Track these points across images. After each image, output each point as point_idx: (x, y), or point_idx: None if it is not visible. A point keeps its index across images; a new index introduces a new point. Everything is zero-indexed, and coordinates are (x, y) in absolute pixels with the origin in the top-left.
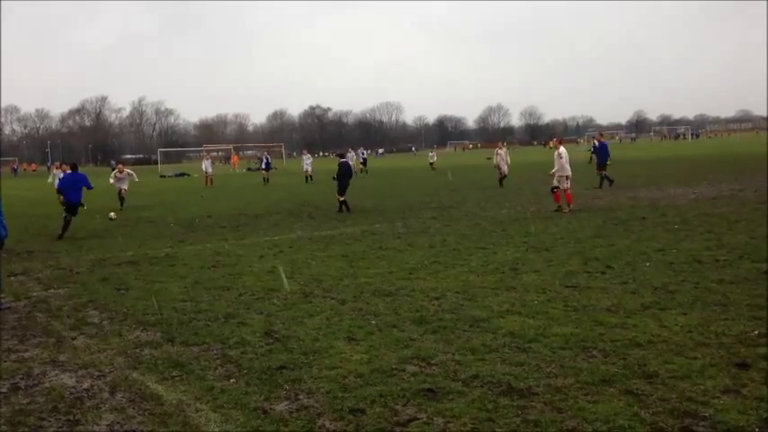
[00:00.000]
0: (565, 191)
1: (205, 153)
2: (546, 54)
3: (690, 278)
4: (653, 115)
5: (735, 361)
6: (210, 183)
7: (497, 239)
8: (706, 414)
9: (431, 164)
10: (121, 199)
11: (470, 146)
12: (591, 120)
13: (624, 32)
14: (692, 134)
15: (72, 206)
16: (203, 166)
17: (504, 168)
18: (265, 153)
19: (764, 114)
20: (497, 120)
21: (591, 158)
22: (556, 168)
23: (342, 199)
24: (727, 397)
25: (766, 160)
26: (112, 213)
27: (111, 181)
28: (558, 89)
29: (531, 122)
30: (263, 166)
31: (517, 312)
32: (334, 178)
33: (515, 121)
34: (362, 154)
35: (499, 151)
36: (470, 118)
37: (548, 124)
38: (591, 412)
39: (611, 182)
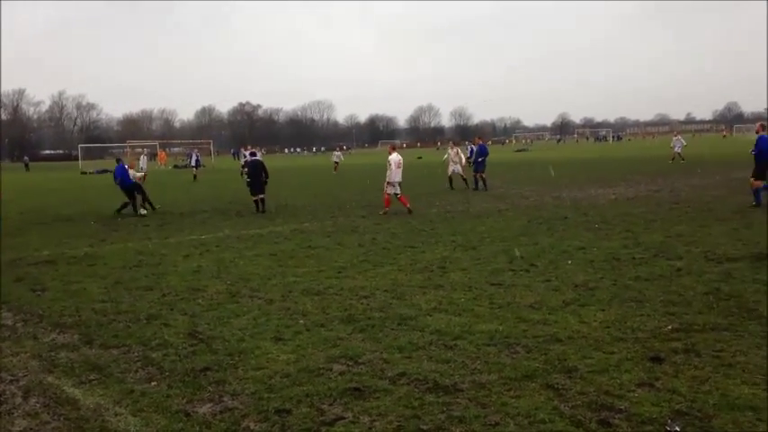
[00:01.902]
0: (391, 194)
1: (141, 149)
2: (476, 56)
3: (608, 275)
4: (576, 118)
5: (649, 355)
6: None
7: (426, 238)
8: (622, 407)
9: (336, 163)
10: None
11: (403, 145)
12: (518, 121)
13: (551, 37)
14: (613, 136)
15: None
16: (141, 163)
17: (458, 168)
18: (195, 150)
19: (681, 118)
20: (428, 120)
21: (470, 162)
22: (389, 174)
23: (255, 198)
24: (642, 390)
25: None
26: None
27: None
28: (487, 91)
29: (461, 123)
30: (193, 164)
31: (444, 310)
32: (241, 174)
33: (445, 121)
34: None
35: (450, 151)
36: (402, 118)
37: (477, 125)
38: (513, 407)
39: (477, 187)
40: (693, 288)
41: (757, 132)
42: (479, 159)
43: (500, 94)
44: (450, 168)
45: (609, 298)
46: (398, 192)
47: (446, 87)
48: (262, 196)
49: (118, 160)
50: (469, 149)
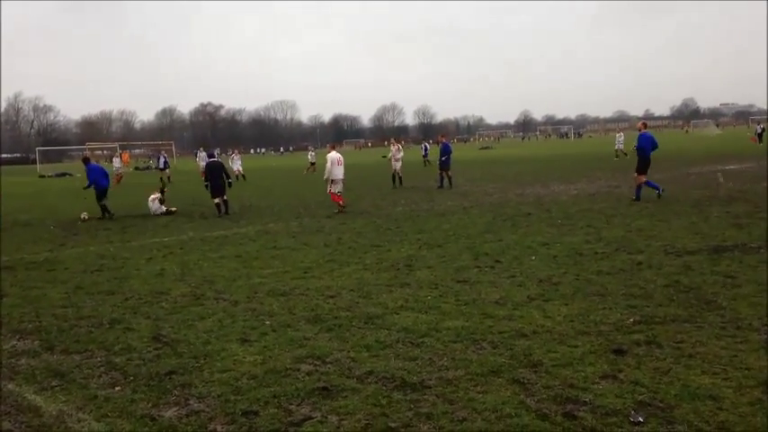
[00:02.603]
0: (338, 193)
1: (117, 151)
2: (441, 56)
3: (571, 270)
4: (538, 115)
5: (612, 347)
6: (117, 180)
7: (392, 237)
8: (586, 399)
9: (312, 164)
10: None
11: (369, 144)
12: (481, 119)
13: (512, 35)
14: (575, 133)
15: None
16: (114, 165)
17: (397, 166)
18: (162, 152)
19: (639, 114)
20: (392, 118)
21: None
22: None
23: (217, 201)
24: (606, 382)
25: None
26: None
27: None
28: (451, 90)
29: (425, 121)
30: (161, 166)
31: (411, 308)
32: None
33: (409, 119)
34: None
35: (392, 148)
36: (365, 117)
37: (440, 123)
38: (480, 402)
39: (443, 185)
40: (654, 281)
41: (639, 130)
42: (443, 158)
43: (462, 92)
44: (393, 166)
45: (572, 292)
46: (341, 190)
47: (409, 87)
48: (224, 198)
49: (87, 160)
50: (423, 148)
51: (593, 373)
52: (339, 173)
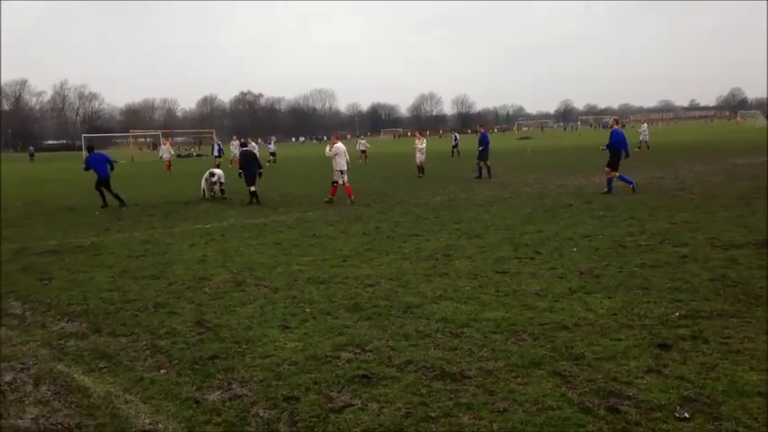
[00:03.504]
0: (343, 184)
1: (164, 139)
2: (479, 44)
3: (614, 263)
4: (579, 104)
5: (657, 342)
6: (168, 168)
7: (430, 226)
8: (630, 393)
9: (362, 151)
10: None
11: (409, 133)
12: (521, 108)
13: (554, 24)
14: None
15: None
16: (160, 152)
17: (422, 158)
18: (217, 140)
19: (685, 104)
20: (430, 108)
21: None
22: (335, 164)
23: (252, 189)
24: (650, 377)
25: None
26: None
27: None
28: (489, 78)
29: (463, 111)
30: (216, 153)
31: (450, 298)
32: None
33: (447, 109)
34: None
35: (416, 140)
36: (403, 106)
37: (479, 113)
38: (521, 394)
39: (481, 175)
40: (700, 275)
41: (611, 126)
42: (481, 147)
43: (501, 82)
44: (418, 157)
45: (615, 285)
46: (346, 180)
47: (448, 75)
48: (253, 188)
49: (90, 149)
50: (453, 137)
51: (637, 368)
52: (344, 163)
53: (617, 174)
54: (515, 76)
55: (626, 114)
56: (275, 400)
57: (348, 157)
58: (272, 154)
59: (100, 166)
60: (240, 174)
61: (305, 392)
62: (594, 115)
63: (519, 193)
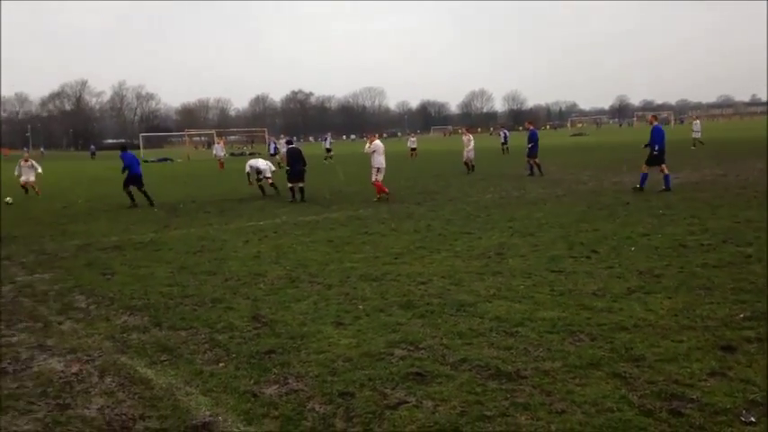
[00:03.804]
0: (377, 180)
1: (217, 138)
2: (531, 40)
3: (675, 262)
4: (635, 100)
5: (720, 344)
6: (221, 166)
7: (482, 224)
8: (693, 396)
9: (412, 149)
10: (25, 189)
11: (459, 131)
12: (574, 105)
13: (608, 18)
14: (677, 119)
15: None
16: (214, 151)
17: (470, 154)
18: (273, 139)
19: (746, 99)
20: (480, 105)
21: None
22: (373, 161)
23: (291, 186)
24: (714, 379)
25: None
26: (9, 198)
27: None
28: (541, 74)
29: (515, 107)
30: (272, 152)
31: (503, 297)
32: (281, 165)
33: (498, 106)
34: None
35: (463, 137)
36: (453, 103)
37: (531, 109)
38: (580, 395)
39: (533, 173)
40: (765, 275)
41: (650, 123)
42: (530, 145)
43: (554, 77)
44: (466, 154)
45: (676, 285)
46: (380, 178)
47: (499, 72)
48: (301, 185)
49: (124, 148)
50: (502, 135)
51: (701, 370)
52: (383, 161)
53: (645, 169)
54: (569, 72)
55: (683, 110)
56: (331, 396)
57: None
58: (328, 150)
59: (135, 166)
60: (287, 171)
61: (360, 388)
62: (651, 111)
63: (573, 191)
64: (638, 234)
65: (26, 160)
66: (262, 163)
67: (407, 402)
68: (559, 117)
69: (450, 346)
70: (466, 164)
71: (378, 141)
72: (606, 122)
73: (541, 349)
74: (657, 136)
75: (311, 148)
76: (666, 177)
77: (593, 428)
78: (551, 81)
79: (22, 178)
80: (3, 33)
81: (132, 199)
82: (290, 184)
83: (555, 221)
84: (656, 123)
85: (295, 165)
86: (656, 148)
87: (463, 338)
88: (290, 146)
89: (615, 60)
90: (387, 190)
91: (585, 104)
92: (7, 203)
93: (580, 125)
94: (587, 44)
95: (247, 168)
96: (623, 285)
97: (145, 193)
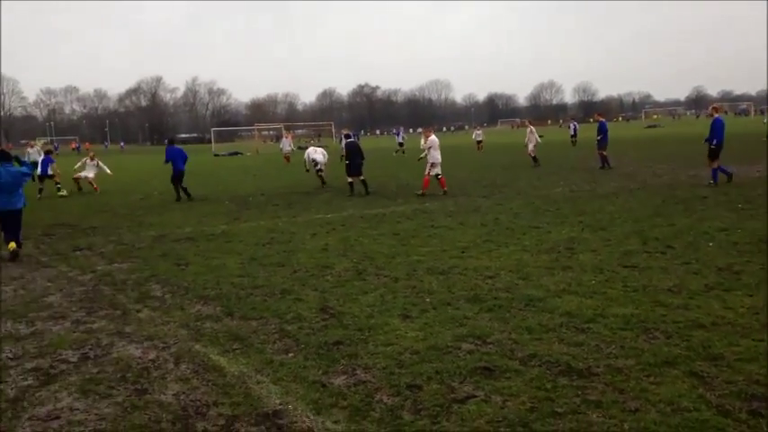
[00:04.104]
0: (428, 175)
1: (285, 132)
2: (602, 28)
3: (755, 259)
4: (713, 91)
5: None
6: (287, 160)
7: (551, 218)
8: None
9: (478, 142)
10: (78, 185)
11: (527, 123)
12: (648, 96)
13: (685, 6)
14: (757, 110)
15: None
16: (281, 145)
17: (530, 147)
18: (400, 127)
19: None
20: (549, 97)
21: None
22: (429, 156)
23: (350, 180)
24: None
25: None
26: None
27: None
28: (613, 65)
29: (585, 99)
30: (400, 140)
31: (574, 292)
32: (342, 159)
33: (568, 97)
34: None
35: (527, 130)
36: (521, 95)
37: (602, 100)
38: (654, 393)
39: (604, 165)
40: None
41: (711, 115)
42: (599, 137)
43: (627, 67)
44: (529, 147)
45: (757, 282)
46: (439, 172)
47: (568, 62)
48: (362, 178)
49: (171, 141)
50: (571, 127)
51: None
52: (438, 156)
53: (716, 165)
54: (642, 62)
55: (764, 101)
56: (398, 388)
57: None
58: (401, 144)
59: (178, 161)
60: (346, 165)
61: (427, 381)
62: (729, 102)
63: (647, 184)
64: (716, 229)
65: (92, 158)
66: (319, 155)
67: (475, 396)
68: (633, 108)
69: (518, 341)
70: (535, 158)
71: (433, 137)
72: (682, 114)
73: (614, 346)
74: (718, 129)
75: (379, 141)
76: (714, 171)
77: (669, 428)
78: (624, 72)
79: (83, 173)
80: (84, 33)
81: (178, 193)
82: (349, 179)
83: (628, 216)
84: (716, 115)
85: (354, 159)
86: (714, 142)
87: (532, 334)
88: (349, 140)
89: (693, 51)
90: (444, 188)
91: (660, 95)
92: (62, 196)
93: (656, 117)
94: (663, 34)
95: (306, 156)
96: (701, 282)
97: (184, 189)
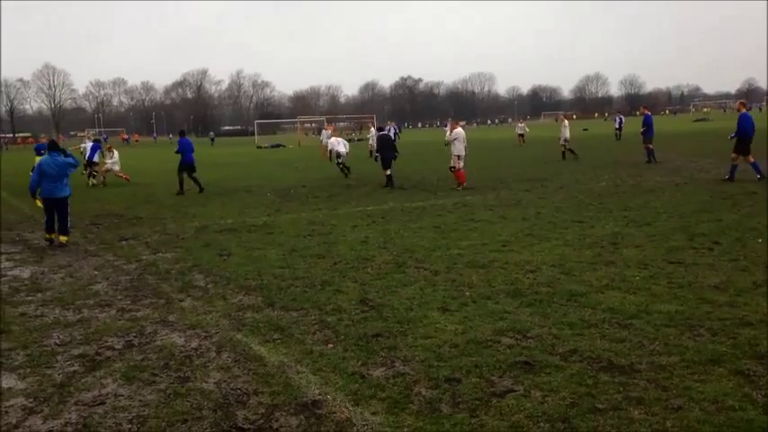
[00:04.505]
0: (458, 170)
1: (326, 125)
2: (648, 19)
3: None
4: (765, 83)
5: None
6: (324, 152)
7: (594, 213)
8: None
9: (520, 135)
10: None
11: (574, 116)
12: (697, 88)
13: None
14: None
15: None
16: (322, 137)
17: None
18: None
19: None
20: (595, 89)
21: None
22: (453, 149)
23: (388, 173)
24: None
25: None
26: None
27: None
28: (662, 57)
29: (632, 92)
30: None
31: (617, 288)
32: (371, 154)
33: (614, 90)
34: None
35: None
36: (566, 88)
37: (649, 93)
38: (698, 391)
39: (650, 160)
40: None
41: (738, 111)
42: (643, 129)
43: (675, 59)
44: (562, 142)
45: None
46: (461, 166)
47: (614, 55)
48: (388, 172)
49: (182, 133)
50: (616, 120)
51: None
52: (462, 149)
53: (751, 159)
54: (691, 54)
55: None
56: (437, 381)
57: (466, 142)
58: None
59: (188, 152)
60: (376, 158)
61: (466, 375)
62: None
63: (694, 179)
64: (764, 225)
65: (110, 149)
66: (341, 146)
67: (515, 391)
68: (681, 101)
69: (559, 336)
70: (565, 152)
71: (459, 129)
72: (733, 107)
73: (657, 343)
74: (746, 124)
75: (418, 135)
76: (733, 168)
77: (713, 427)
78: (672, 64)
79: (109, 167)
80: (131, 27)
81: (181, 186)
82: (386, 171)
83: (674, 211)
84: (743, 111)
85: (385, 152)
86: (732, 135)
87: (573, 329)
88: (381, 133)
89: (745, 43)
90: (464, 182)
91: (710, 88)
92: (93, 185)
93: (706, 110)
94: (713, 25)
95: (329, 146)
96: (748, 279)
97: (195, 179)
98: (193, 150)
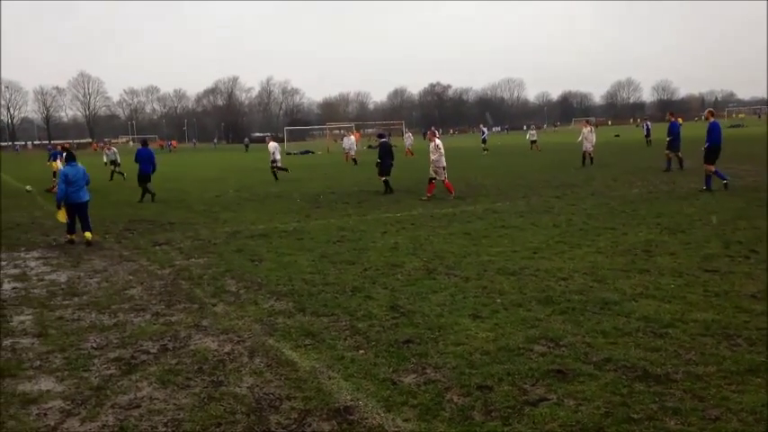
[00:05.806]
0: (443, 181)
1: (345, 131)
2: (681, 23)
3: None
4: None
5: None
6: (346, 158)
7: (627, 220)
8: None
9: (532, 142)
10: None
11: (609, 122)
12: (731, 94)
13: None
14: None
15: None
16: (343, 144)
17: (588, 146)
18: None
19: None
20: (627, 95)
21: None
22: (433, 159)
23: (384, 179)
24: None
25: None
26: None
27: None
28: (695, 61)
29: (665, 97)
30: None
31: (651, 296)
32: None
33: (647, 96)
34: (484, 132)
35: (584, 129)
36: (597, 94)
37: (682, 99)
38: (736, 402)
39: (669, 168)
40: None
41: (707, 119)
42: (669, 138)
43: (709, 64)
44: (584, 146)
45: None
46: (440, 178)
47: (646, 60)
48: (384, 178)
49: (144, 143)
50: (644, 127)
51: None
52: (443, 161)
53: (713, 168)
54: (725, 58)
55: None
56: (469, 388)
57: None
58: (484, 141)
59: (144, 163)
60: (377, 164)
61: (498, 383)
62: None
63: (729, 186)
64: None
65: (109, 147)
66: (277, 151)
67: (548, 399)
68: (715, 107)
69: (593, 344)
70: (584, 157)
71: (438, 140)
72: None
73: (693, 352)
74: (717, 133)
75: (452, 141)
76: (708, 178)
77: None
78: (706, 70)
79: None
80: (166, 36)
81: (143, 195)
82: (382, 178)
83: (709, 218)
84: (712, 119)
85: (385, 159)
86: (707, 145)
87: (607, 337)
88: (383, 140)
89: None
90: (453, 191)
91: (744, 94)
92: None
93: (741, 115)
94: (748, 29)
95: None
96: None
97: (148, 190)
98: (152, 162)
